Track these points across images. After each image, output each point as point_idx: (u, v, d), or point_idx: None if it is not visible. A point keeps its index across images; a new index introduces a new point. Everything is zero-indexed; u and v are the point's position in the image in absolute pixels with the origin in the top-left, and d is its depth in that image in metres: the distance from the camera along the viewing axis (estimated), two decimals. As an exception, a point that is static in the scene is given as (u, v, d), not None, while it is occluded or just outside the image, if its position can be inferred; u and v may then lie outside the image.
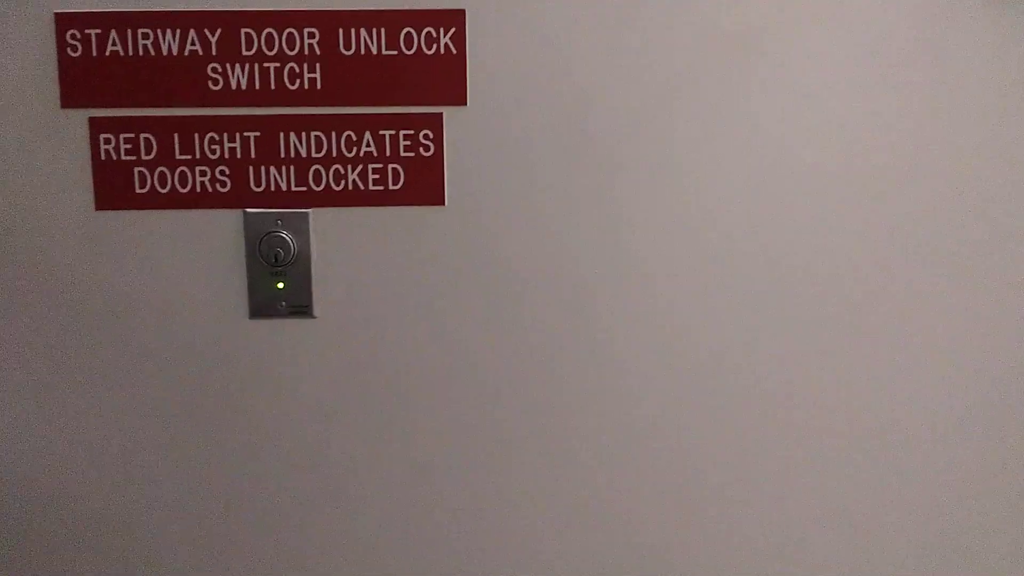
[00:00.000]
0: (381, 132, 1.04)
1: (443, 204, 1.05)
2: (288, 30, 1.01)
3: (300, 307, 1.07)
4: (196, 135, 1.03)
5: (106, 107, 1.02)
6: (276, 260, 1.05)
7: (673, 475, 1.11)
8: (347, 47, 1.02)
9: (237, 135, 1.03)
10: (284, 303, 1.06)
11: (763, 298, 1.08)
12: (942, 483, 1.12)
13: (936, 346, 1.09)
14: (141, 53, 1.01)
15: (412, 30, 1.02)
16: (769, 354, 1.09)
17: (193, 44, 1.01)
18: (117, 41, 1.01)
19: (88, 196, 1.03)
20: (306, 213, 1.05)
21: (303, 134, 1.04)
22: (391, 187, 1.05)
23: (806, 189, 1.06)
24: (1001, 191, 1.06)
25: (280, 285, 1.06)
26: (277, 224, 1.05)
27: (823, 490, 1.12)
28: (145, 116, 1.02)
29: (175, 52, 1.01)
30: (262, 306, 1.06)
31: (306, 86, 1.02)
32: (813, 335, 1.09)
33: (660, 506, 1.12)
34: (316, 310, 1.07)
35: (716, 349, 1.09)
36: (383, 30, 1.02)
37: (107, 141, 1.03)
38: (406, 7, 1.01)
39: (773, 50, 1.03)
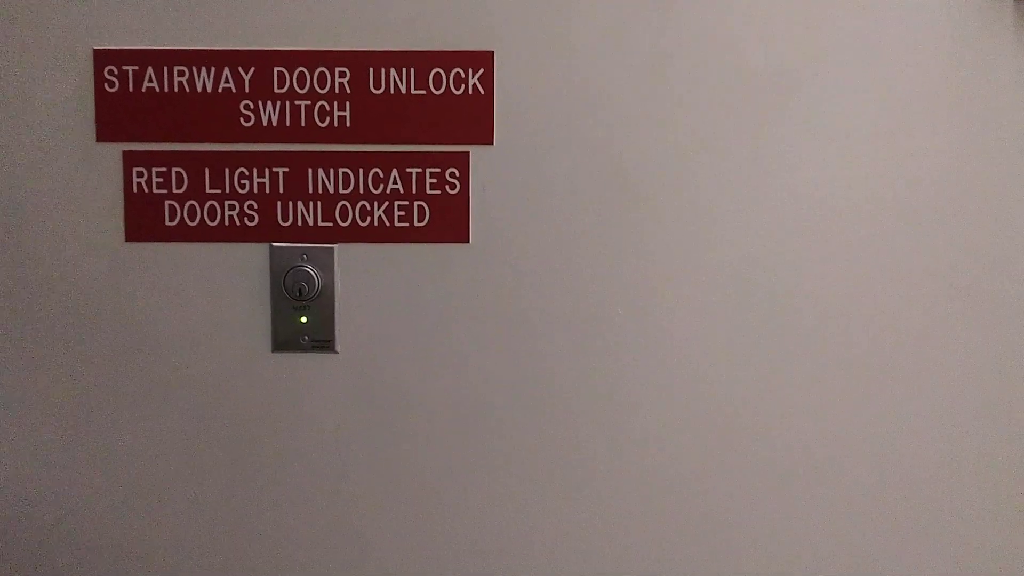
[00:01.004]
0: (408, 170, 1.05)
1: (468, 242, 1.05)
2: (320, 69, 1.03)
3: (323, 342, 1.07)
4: (226, 170, 1.05)
5: (140, 141, 1.04)
6: (300, 294, 1.05)
7: (687, 514, 1.09)
8: (377, 86, 1.04)
9: (266, 170, 1.05)
10: (307, 337, 1.07)
11: (794, 340, 1.07)
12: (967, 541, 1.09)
13: (979, 391, 1.08)
14: (176, 90, 1.03)
15: (441, 71, 1.03)
16: (802, 409, 1.08)
17: (227, 82, 1.03)
18: (153, 77, 1.03)
19: (119, 227, 1.05)
20: (331, 248, 1.06)
21: (331, 171, 1.05)
22: (416, 224, 1.06)
23: (841, 231, 1.05)
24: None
25: (303, 319, 1.06)
26: (302, 259, 1.06)
27: (845, 541, 1.10)
28: (177, 151, 1.04)
29: (209, 89, 1.03)
30: (285, 340, 1.07)
31: (336, 124, 1.04)
32: (853, 384, 1.07)
33: (674, 547, 1.10)
34: (339, 345, 1.07)
35: (740, 392, 1.07)
36: (412, 70, 1.03)
37: (139, 174, 1.04)
38: (435, 48, 1.03)
39: (805, 92, 1.04)
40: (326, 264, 1.06)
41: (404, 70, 1.03)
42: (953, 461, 1.08)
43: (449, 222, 1.05)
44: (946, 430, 1.08)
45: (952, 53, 1.04)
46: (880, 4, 1.03)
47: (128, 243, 1.05)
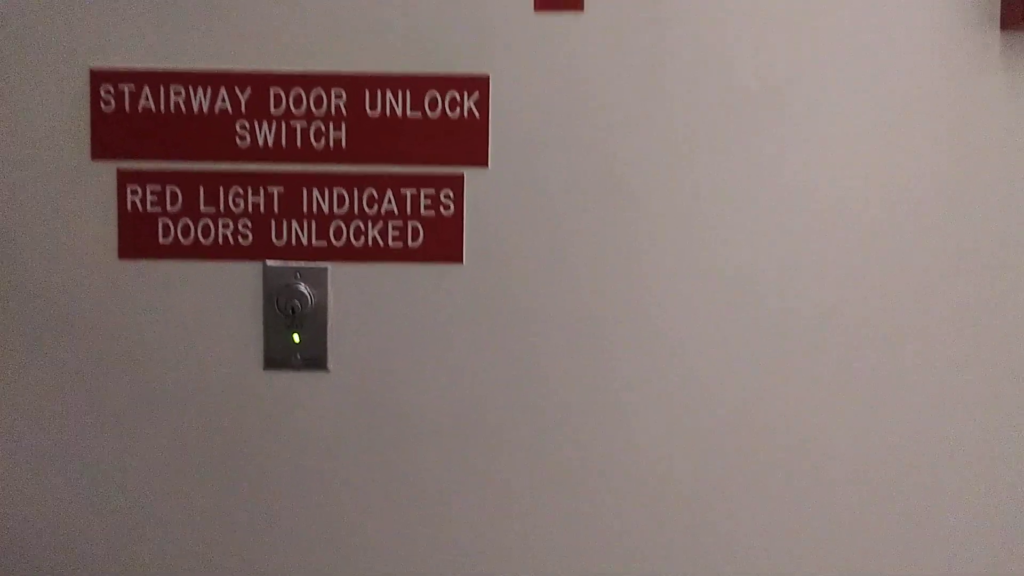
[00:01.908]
0: (402, 191, 1.05)
1: (461, 263, 1.06)
2: (316, 91, 1.04)
3: (315, 360, 1.07)
4: (221, 188, 1.05)
5: (135, 160, 1.04)
6: (293, 313, 1.06)
7: (687, 532, 1.10)
8: (372, 108, 1.04)
9: (261, 189, 1.05)
10: (299, 356, 1.07)
11: (788, 351, 1.08)
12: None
13: (973, 391, 1.09)
14: (172, 110, 1.04)
15: (437, 94, 1.04)
16: (794, 411, 1.08)
17: (223, 102, 1.04)
18: (149, 97, 1.03)
19: (113, 245, 1.05)
20: (325, 267, 1.06)
21: (326, 190, 1.05)
22: (410, 244, 1.06)
23: (830, 241, 1.07)
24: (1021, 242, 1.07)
25: (296, 338, 1.07)
26: (296, 277, 1.06)
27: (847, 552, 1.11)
28: (172, 169, 1.05)
29: (205, 110, 1.04)
30: (277, 358, 1.07)
31: (331, 145, 1.05)
32: (843, 389, 1.08)
33: (672, 563, 1.10)
34: (331, 364, 1.07)
35: (739, 408, 1.08)
36: (408, 93, 1.04)
37: (134, 192, 1.05)
38: (431, 71, 1.04)
39: (795, 105, 1.05)
40: (319, 283, 1.06)
41: (400, 92, 1.04)
42: (948, 463, 1.09)
43: (443, 243, 1.06)
44: (941, 429, 1.09)
45: (940, 73, 1.05)
46: (868, 24, 1.05)
47: (122, 260, 1.05)
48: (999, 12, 1.05)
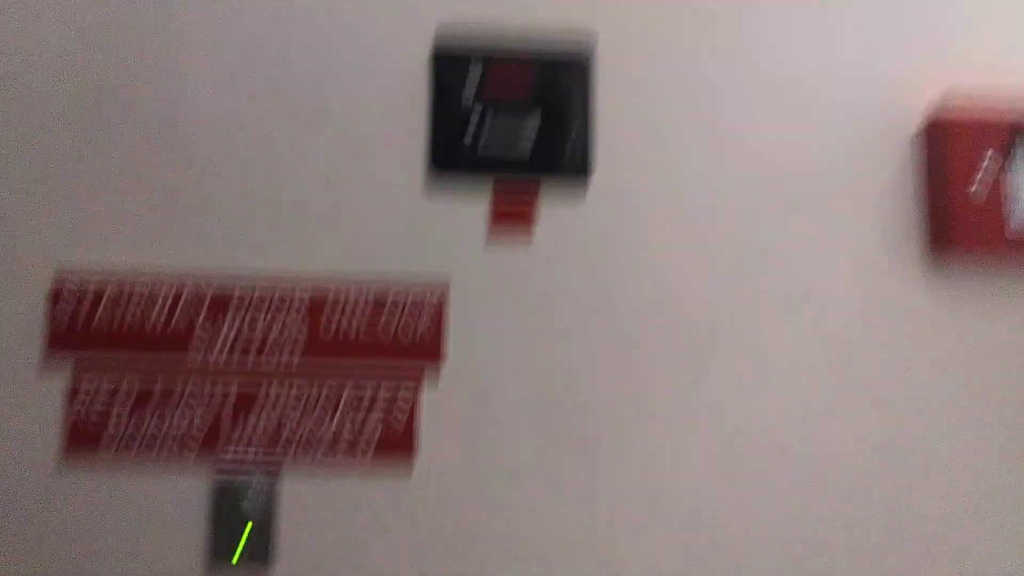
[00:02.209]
0: (357, 400, 1.06)
1: (411, 475, 1.06)
2: (277, 300, 1.06)
3: (261, 566, 1.05)
4: (173, 395, 1.05)
5: (87, 363, 1.04)
6: (241, 518, 1.04)
7: None
8: (332, 315, 1.06)
9: (216, 393, 1.05)
10: (245, 560, 1.04)
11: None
12: None
13: None
14: (129, 321, 1.05)
15: (396, 300, 1.07)
16: None
17: (180, 321, 1.05)
18: (108, 307, 1.04)
19: (58, 449, 1.03)
20: (276, 474, 1.05)
21: (279, 396, 1.05)
22: (362, 454, 1.06)
23: (771, 467, 1.09)
24: (968, 470, 1.11)
25: (242, 543, 1.04)
26: (245, 484, 1.04)
27: None
28: (123, 376, 1.04)
29: (161, 323, 1.05)
30: (223, 563, 1.04)
31: (287, 355, 1.06)
32: None
33: None
34: (278, 568, 1.05)
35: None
36: (370, 298, 1.07)
37: (83, 398, 1.04)
38: (392, 274, 1.07)
39: (734, 337, 1.11)
40: (269, 489, 1.05)
41: (361, 299, 1.06)
42: None
43: (394, 453, 1.06)
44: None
45: (869, 301, 1.13)
46: (799, 262, 1.13)
47: (66, 464, 1.03)
48: (926, 236, 1.13)
